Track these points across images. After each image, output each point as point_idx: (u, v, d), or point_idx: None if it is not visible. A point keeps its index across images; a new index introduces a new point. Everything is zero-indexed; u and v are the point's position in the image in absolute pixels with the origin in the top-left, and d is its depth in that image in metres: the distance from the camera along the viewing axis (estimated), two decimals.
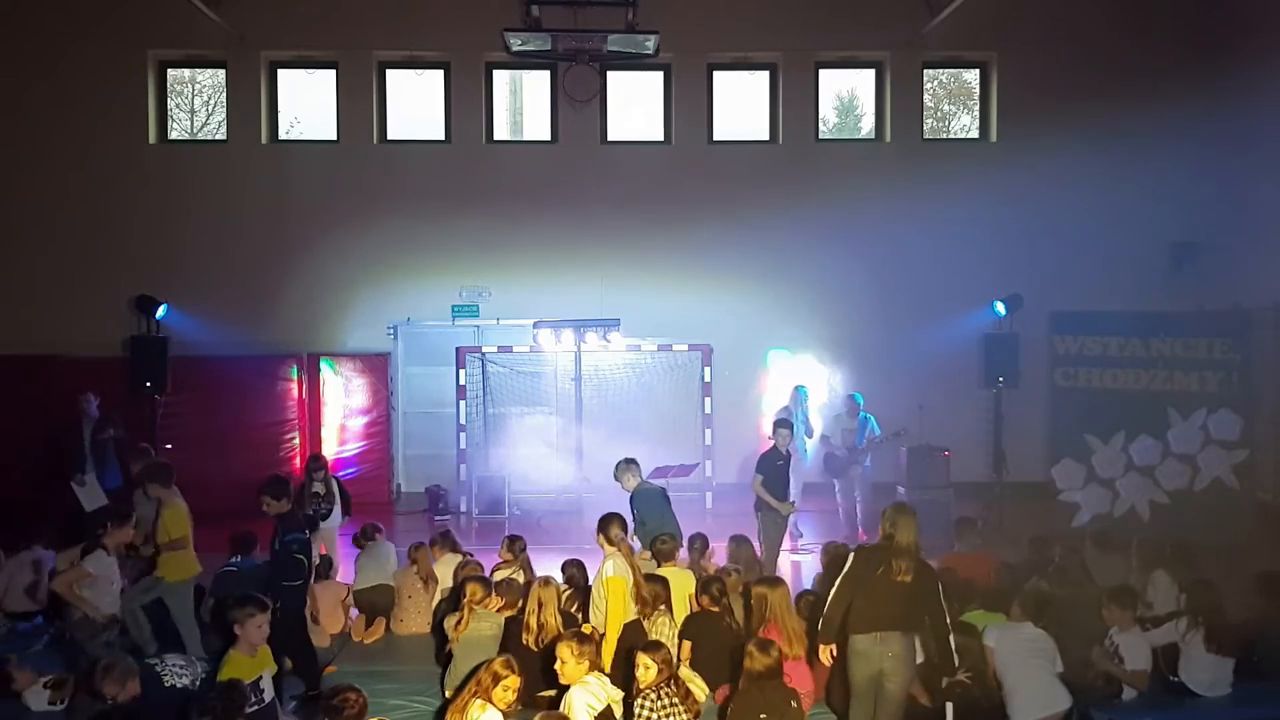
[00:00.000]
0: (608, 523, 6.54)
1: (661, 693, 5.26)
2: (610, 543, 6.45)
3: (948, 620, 5.75)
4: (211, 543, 8.88)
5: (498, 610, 6.94)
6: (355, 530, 9.22)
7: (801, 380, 12.40)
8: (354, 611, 8.50)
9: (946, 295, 13.79)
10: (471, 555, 8.55)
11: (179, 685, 6.14)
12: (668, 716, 5.21)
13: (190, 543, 7.49)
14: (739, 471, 13.35)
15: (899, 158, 14.58)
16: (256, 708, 5.53)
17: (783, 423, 9.59)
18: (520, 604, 6.92)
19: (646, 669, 5.30)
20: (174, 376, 12.62)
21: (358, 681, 6.61)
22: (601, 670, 5.48)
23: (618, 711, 5.32)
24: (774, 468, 9.18)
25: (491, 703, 5.09)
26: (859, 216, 14.01)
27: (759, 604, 6.48)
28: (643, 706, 5.24)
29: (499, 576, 7.66)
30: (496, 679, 5.13)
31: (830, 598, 5.83)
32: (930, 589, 5.71)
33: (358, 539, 8.94)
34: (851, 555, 5.90)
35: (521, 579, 7.68)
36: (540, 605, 6.51)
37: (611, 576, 6.29)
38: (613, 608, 6.22)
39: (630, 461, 8.80)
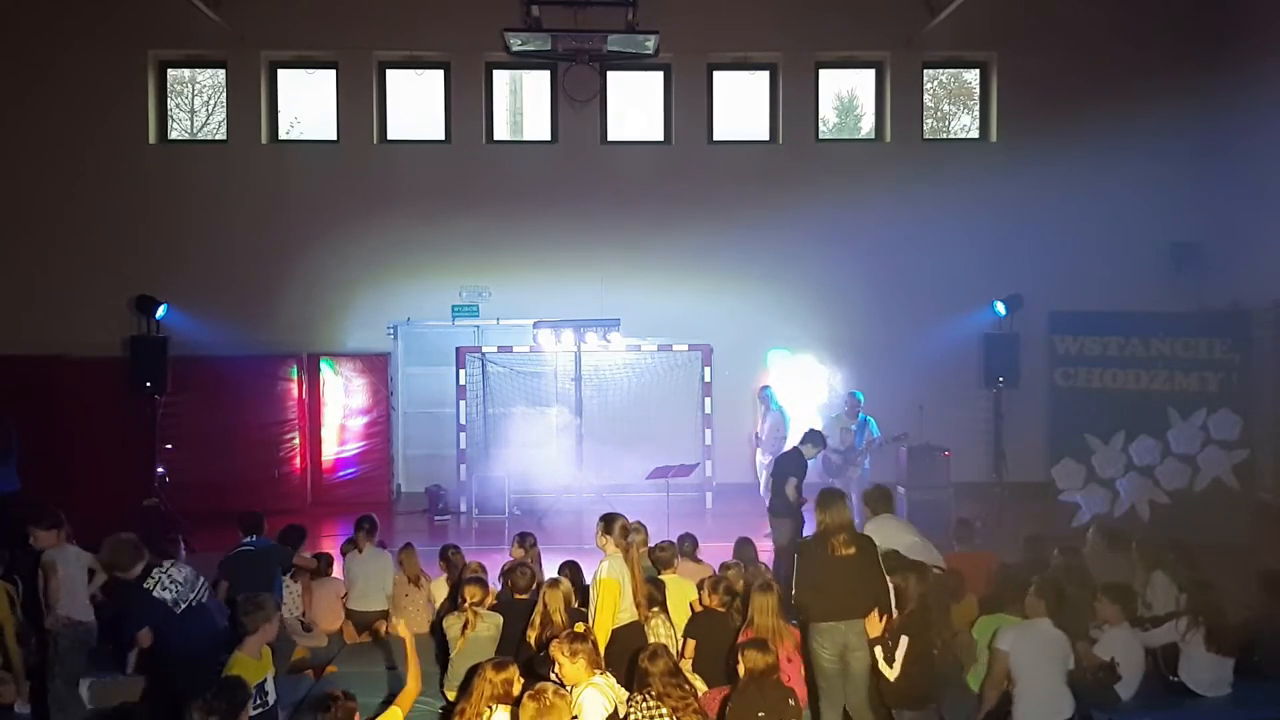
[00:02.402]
0: (610, 521, 6.54)
1: (647, 694, 5.24)
2: (613, 544, 6.44)
3: (886, 578, 6.20)
4: (212, 542, 8.87)
5: (513, 595, 7.05)
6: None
7: (768, 382, 12.43)
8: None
9: (947, 295, 13.79)
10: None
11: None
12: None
13: None
14: (739, 471, 13.37)
15: (899, 158, 14.57)
16: (261, 710, 5.51)
17: (815, 436, 9.56)
18: (532, 589, 7.01)
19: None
20: (174, 376, 12.62)
21: (357, 682, 6.62)
22: (603, 669, 5.46)
23: (621, 712, 5.31)
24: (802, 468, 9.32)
25: (505, 703, 5.06)
26: (859, 216, 14.01)
27: (752, 608, 6.49)
28: (630, 709, 5.24)
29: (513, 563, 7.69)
30: (508, 682, 5.07)
31: (795, 590, 6.16)
32: (872, 557, 6.19)
33: (355, 534, 8.66)
34: (796, 554, 6.24)
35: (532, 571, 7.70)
36: (546, 607, 6.50)
37: (605, 578, 6.27)
38: (602, 609, 6.20)
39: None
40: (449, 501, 13.01)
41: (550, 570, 7.78)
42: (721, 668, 6.32)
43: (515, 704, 5.02)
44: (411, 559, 8.45)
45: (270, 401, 13.41)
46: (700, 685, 6.17)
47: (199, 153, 14.92)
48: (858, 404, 11.79)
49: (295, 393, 13.54)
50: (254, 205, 14.20)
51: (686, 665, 6.34)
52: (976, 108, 15.30)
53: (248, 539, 8.01)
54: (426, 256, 14.10)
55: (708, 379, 13.30)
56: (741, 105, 15.00)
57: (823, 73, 14.92)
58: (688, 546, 8.20)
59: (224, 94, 14.70)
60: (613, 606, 6.21)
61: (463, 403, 13.12)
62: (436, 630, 7.46)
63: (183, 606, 6.11)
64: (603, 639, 6.10)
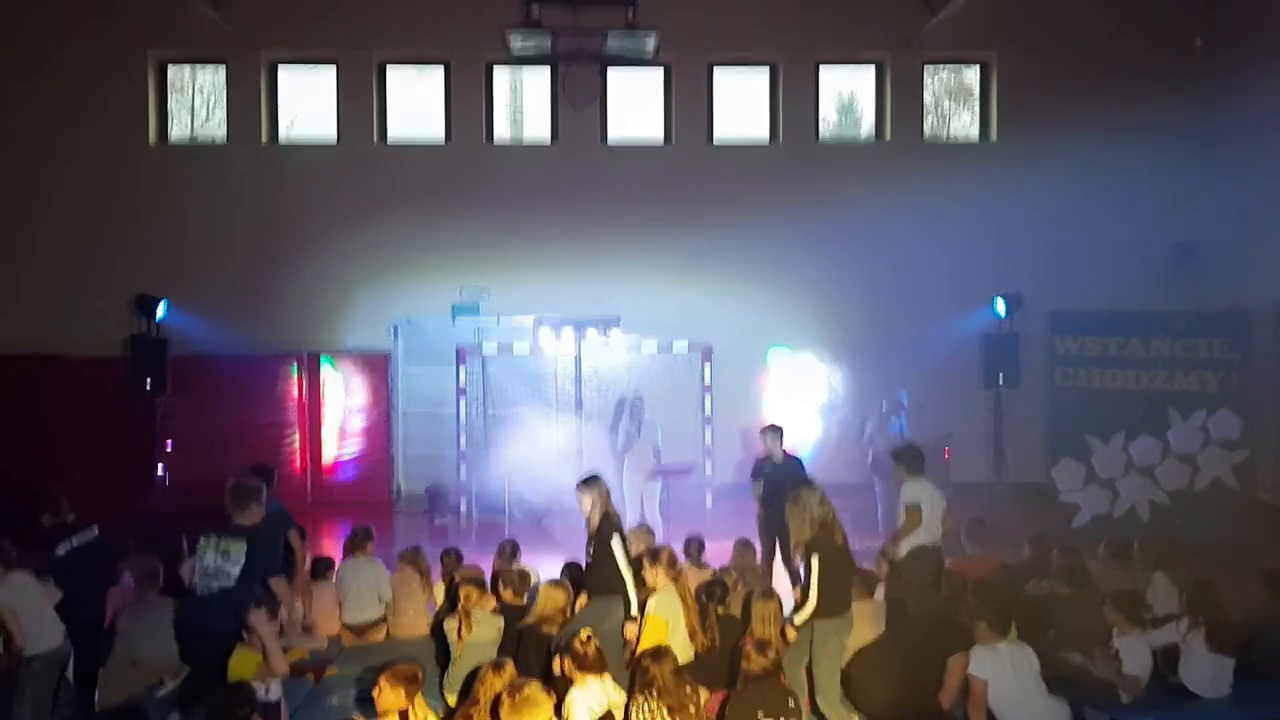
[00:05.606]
0: (656, 554, 6.52)
1: (648, 694, 5.23)
2: (663, 575, 6.42)
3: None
4: None
5: (509, 601, 7.04)
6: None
7: (634, 392, 11.98)
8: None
9: (946, 295, 13.78)
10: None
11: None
12: None
13: None
14: (739, 471, 13.35)
15: (899, 158, 14.56)
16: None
17: (772, 429, 9.58)
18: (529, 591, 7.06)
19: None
20: (174, 376, 12.64)
21: (357, 683, 6.61)
22: (602, 673, 5.45)
23: (618, 715, 5.30)
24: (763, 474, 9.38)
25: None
26: (859, 216, 14.00)
27: (753, 616, 6.46)
28: (631, 710, 5.23)
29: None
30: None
31: (817, 590, 6.08)
32: (847, 546, 6.44)
33: (348, 545, 8.53)
34: (814, 554, 6.12)
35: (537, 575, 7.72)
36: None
37: (653, 614, 6.31)
38: (645, 642, 6.16)
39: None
40: (449, 501, 13.00)
41: (550, 573, 7.77)
42: (723, 671, 6.31)
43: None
44: (416, 561, 8.43)
45: (270, 401, 13.43)
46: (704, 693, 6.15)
47: (199, 152, 14.89)
48: (901, 406, 11.81)
49: (295, 392, 13.56)
50: (254, 205, 14.19)
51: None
52: (976, 107, 15.29)
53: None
54: (426, 256, 14.09)
55: (708, 379, 13.27)
56: (741, 105, 14.98)
57: (823, 73, 14.91)
58: (693, 549, 8.18)
59: (224, 94, 14.69)
60: (656, 643, 6.17)
61: (463, 402, 13.09)
62: (436, 632, 7.45)
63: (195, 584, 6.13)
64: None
